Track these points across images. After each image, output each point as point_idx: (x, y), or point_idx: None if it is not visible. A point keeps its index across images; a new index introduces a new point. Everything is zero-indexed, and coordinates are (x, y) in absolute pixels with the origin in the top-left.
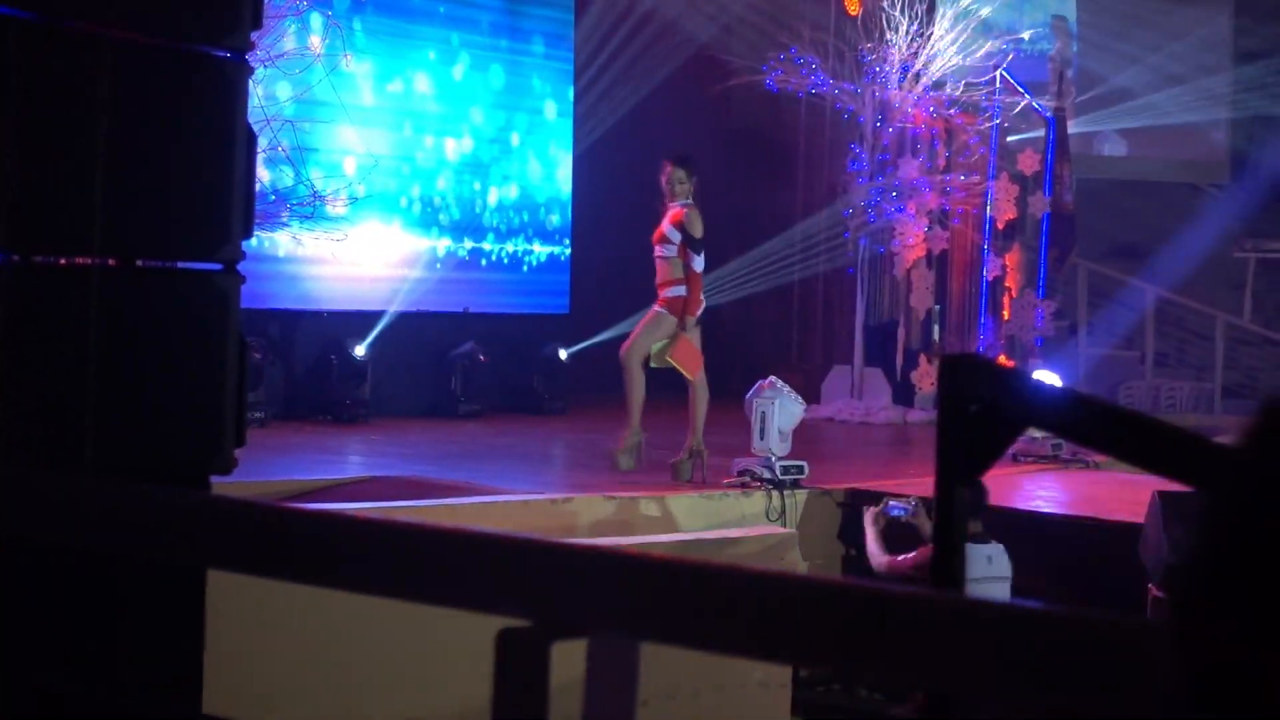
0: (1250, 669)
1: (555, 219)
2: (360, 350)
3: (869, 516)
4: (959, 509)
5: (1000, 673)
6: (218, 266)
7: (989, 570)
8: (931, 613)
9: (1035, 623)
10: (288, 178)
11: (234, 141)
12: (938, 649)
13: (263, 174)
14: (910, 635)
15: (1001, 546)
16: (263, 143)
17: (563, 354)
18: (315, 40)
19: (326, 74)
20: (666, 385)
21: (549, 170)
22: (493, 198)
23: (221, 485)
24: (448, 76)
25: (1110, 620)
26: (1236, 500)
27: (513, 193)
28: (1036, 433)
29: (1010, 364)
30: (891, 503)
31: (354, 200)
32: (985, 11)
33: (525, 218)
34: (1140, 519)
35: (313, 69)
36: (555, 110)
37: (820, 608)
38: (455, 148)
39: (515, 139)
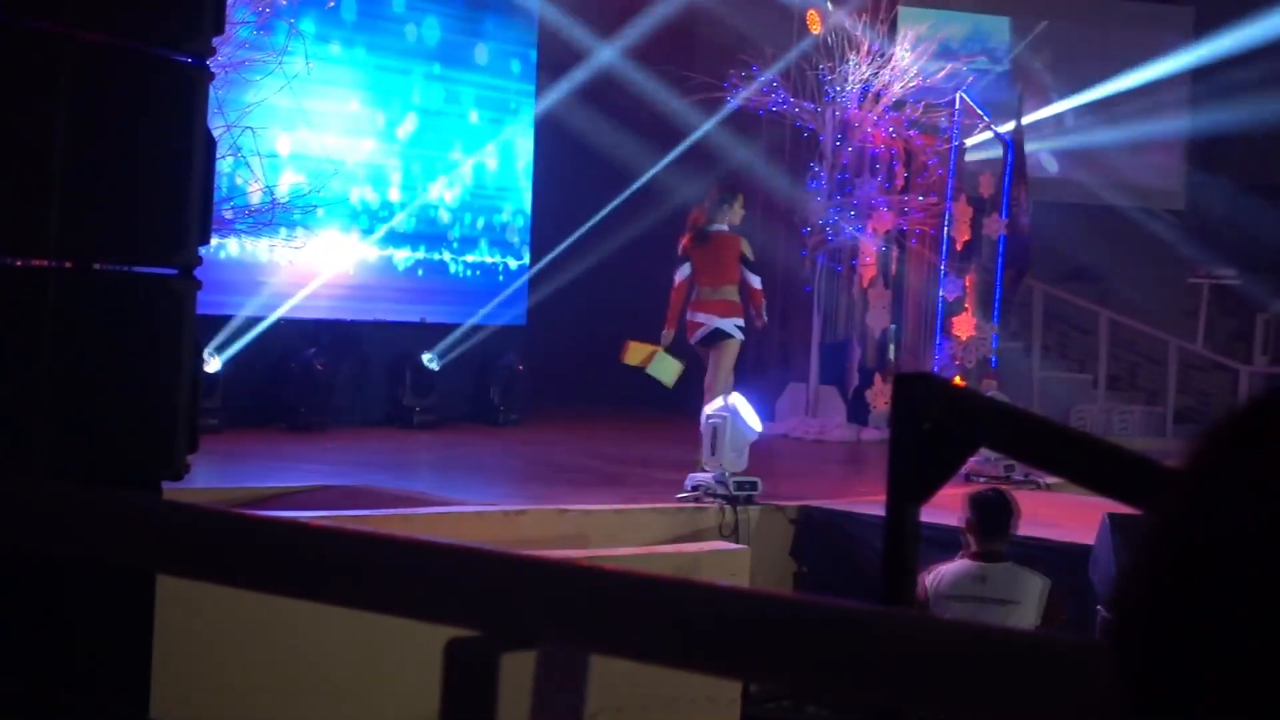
0: (1191, 691)
1: (515, 231)
2: (318, 363)
3: None
4: (910, 527)
5: (947, 691)
6: (174, 271)
7: (981, 590)
8: (880, 630)
9: (983, 641)
10: (249, 184)
11: (193, 146)
12: (886, 666)
13: (221, 179)
14: (859, 652)
15: (1019, 568)
16: (222, 148)
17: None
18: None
19: (288, 81)
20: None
21: (510, 182)
22: (452, 204)
23: (174, 491)
24: (410, 87)
25: (1058, 640)
26: (1177, 520)
27: (473, 203)
28: (989, 453)
29: (963, 384)
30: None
31: (311, 210)
32: (945, 34)
33: (484, 228)
34: (1091, 540)
35: (274, 75)
36: (517, 122)
37: (771, 623)
38: (417, 158)
39: (476, 150)
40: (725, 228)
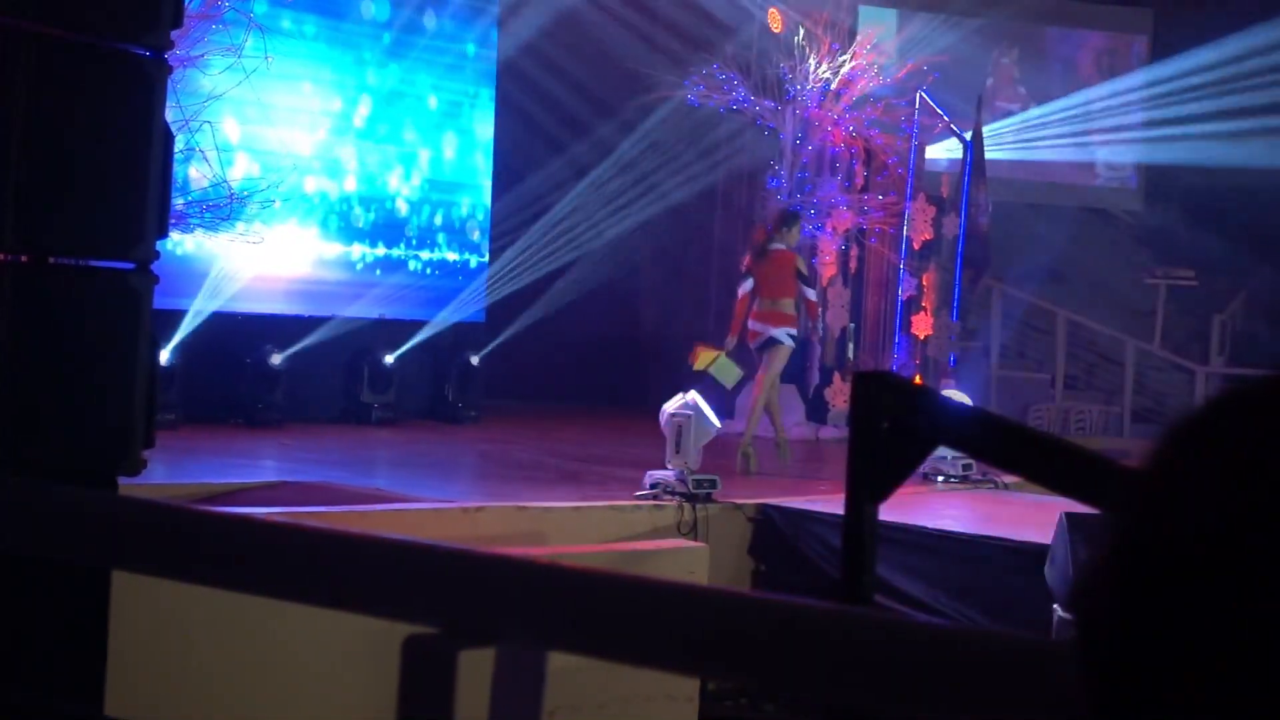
0: (1149, 692)
1: (474, 228)
2: (276, 358)
3: None
4: (869, 526)
5: (904, 689)
6: (131, 266)
7: None
8: (838, 627)
9: (940, 641)
10: (207, 178)
11: (151, 140)
12: (844, 663)
13: (180, 174)
14: (817, 649)
15: None
16: (180, 143)
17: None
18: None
19: (247, 75)
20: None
21: (470, 179)
22: (410, 196)
23: (130, 487)
24: (364, 69)
25: (1014, 638)
26: (1136, 520)
27: (432, 200)
28: (947, 452)
29: (922, 383)
30: None
31: (269, 205)
32: (904, 33)
33: (443, 223)
34: (1048, 540)
35: (233, 69)
36: (477, 121)
37: (728, 620)
38: (375, 153)
39: (435, 146)
40: (784, 247)
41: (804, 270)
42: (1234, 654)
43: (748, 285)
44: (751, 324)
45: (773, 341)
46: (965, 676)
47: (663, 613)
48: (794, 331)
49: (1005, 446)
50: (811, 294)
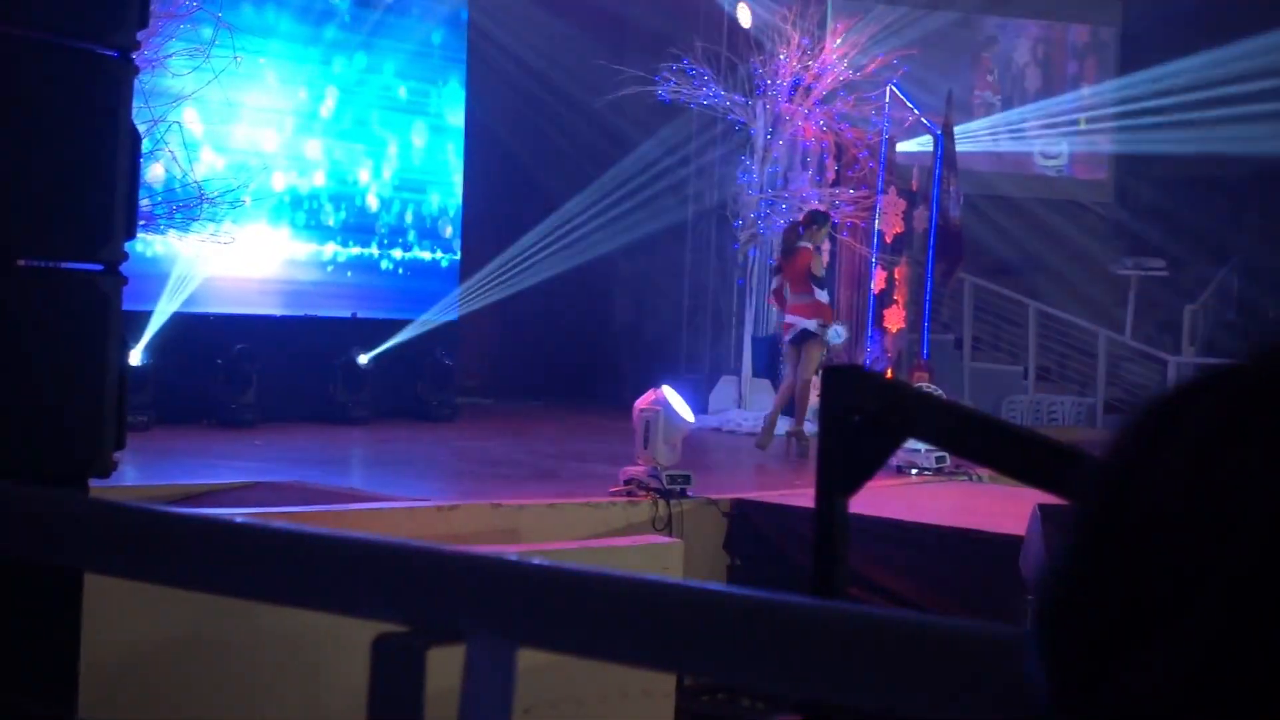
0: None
1: (446, 225)
2: (249, 360)
3: None
4: (839, 519)
5: (876, 680)
6: (99, 267)
7: None
8: (808, 621)
9: (911, 631)
10: (175, 178)
11: (118, 141)
12: (815, 657)
13: (148, 174)
14: (787, 643)
15: None
16: (147, 144)
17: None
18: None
19: (216, 75)
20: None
21: (441, 177)
22: (382, 197)
23: (102, 489)
24: (336, 72)
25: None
26: (1097, 507)
27: (403, 195)
28: (921, 445)
29: (892, 376)
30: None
31: (239, 205)
32: (874, 28)
33: (415, 223)
34: (1022, 531)
35: (201, 69)
36: (448, 118)
37: (696, 615)
38: (346, 151)
39: (404, 144)
40: (808, 245)
41: (816, 271)
42: (1195, 638)
43: (775, 283)
44: (783, 317)
45: (806, 334)
46: (938, 668)
47: (631, 608)
48: (825, 322)
49: (974, 439)
50: (822, 296)
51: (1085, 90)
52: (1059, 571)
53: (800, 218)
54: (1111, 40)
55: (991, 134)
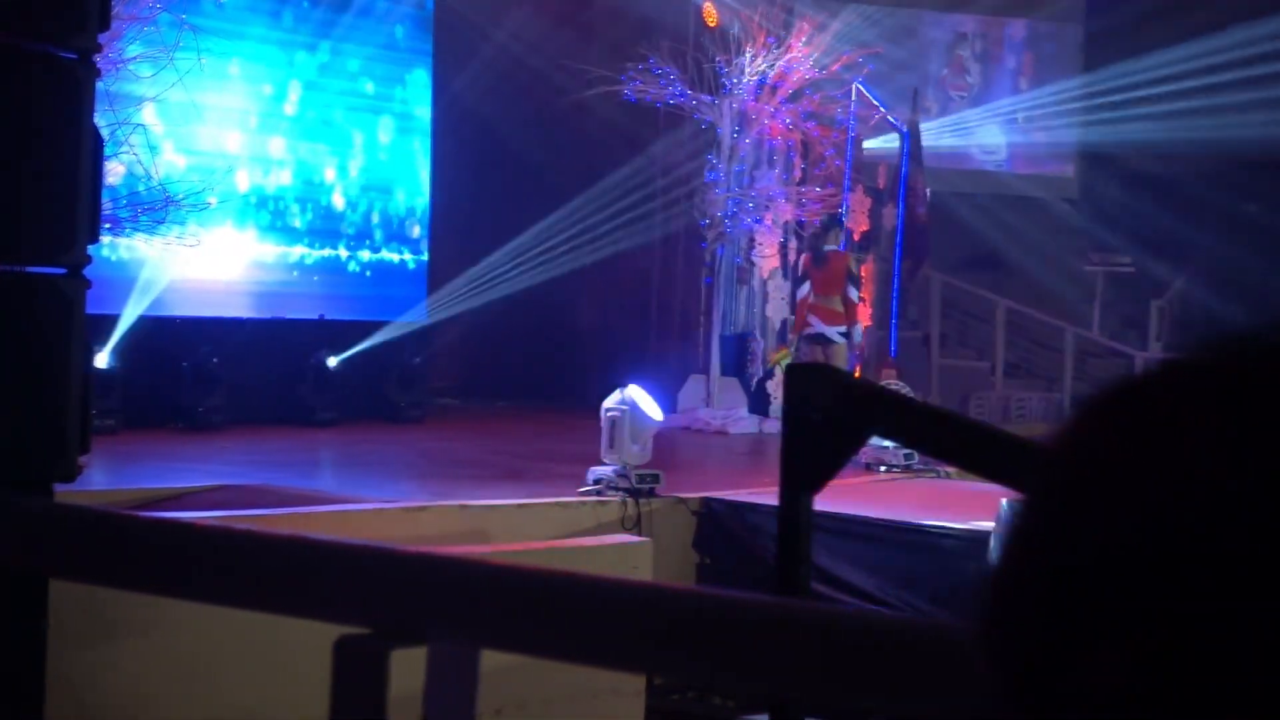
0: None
1: (414, 225)
2: (215, 363)
3: None
4: (804, 516)
5: (840, 677)
6: (63, 271)
7: None
8: (770, 620)
9: (874, 629)
10: (139, 179)
11: (80, 144)
12: (778, 655)
13: (111, 176)
14: (749, 642)
15: None
16: (110, 147)
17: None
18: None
19: (180, 76)
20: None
21: (408, 174)
22: (348, 196)
23: (68, 493)
24: (303, 72)
25: (949, 627)
26: (1040, 500)
27: (370, 194)
28: (889, 442)
29: (860, 374)
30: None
31: (204, 206)
32: (838, 25)
33: (383, 222)
34: (990, 528)
35: (166, 71)
36: (416, 117)
37: (658, 615)
38: (311, 150)
39: (369, 140)
40: (836, 248)
41: (854, 270)
42: (1145, 633)
43: (806, 288)
44: (809, 318)
45: (824, 338)
46: (901, 665)
47: (592, 609)
48: (844, 329)
49: (937, 436)
50: (854, 294)
51: (1050, 87)
52: (1004, 566)
53: (817, 224)
54: (1067, 35)
55: (944, 129)
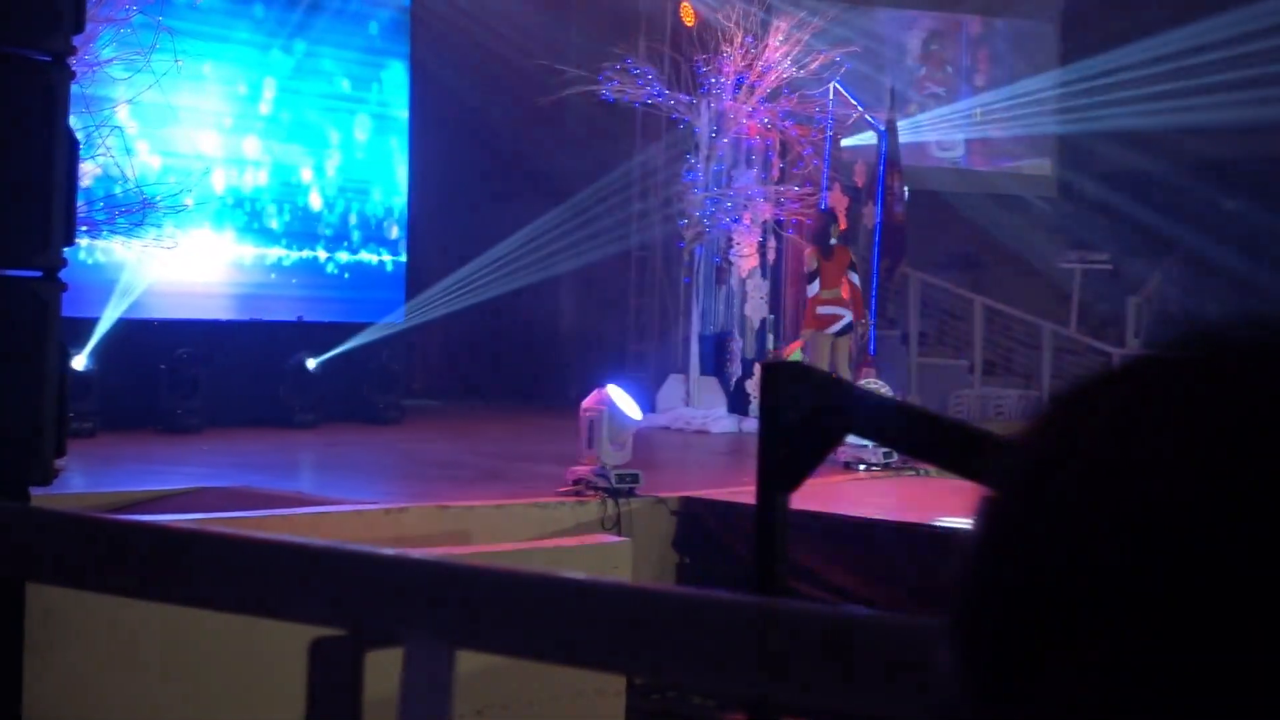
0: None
1: (391, 226)
2: (193, 365)
3: None
4: (780, 516)
5: (816, 675)
6: (38, 274)
7: None
8: (746, 618)
9: (849, 627)
10: (115, 181)
11: (55, 146)
12: (754, 653)
13: (88, 179)
14: (725, 641)
15: None
16: (86, 150)
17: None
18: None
19: (157, 79)
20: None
21: (385, 173)
22: (325, 196)
23: (45, 497)
24: (275, 66)
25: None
26: (1006, 495)
27: (347, 194)
28: (868, 440)
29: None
30: None
31: (182, 209)
32: (817, 24)
33: (360, 223)
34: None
35: (141, 73)
36: (393, 116)
37: (633, 615)
38: (289, 152)
39: (346, 139)
40: (838, 242)
41: (854, 259)
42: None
43: (816, 285)
44: (821, 310)
45: (849, 326)
46: (877, 663)
47: (570, 609)
48: (850, 317)
49: (912, 434)
50: (856, 279)
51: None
52: (973, 564)
53: (815, 221)
54: (1044, 31)
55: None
